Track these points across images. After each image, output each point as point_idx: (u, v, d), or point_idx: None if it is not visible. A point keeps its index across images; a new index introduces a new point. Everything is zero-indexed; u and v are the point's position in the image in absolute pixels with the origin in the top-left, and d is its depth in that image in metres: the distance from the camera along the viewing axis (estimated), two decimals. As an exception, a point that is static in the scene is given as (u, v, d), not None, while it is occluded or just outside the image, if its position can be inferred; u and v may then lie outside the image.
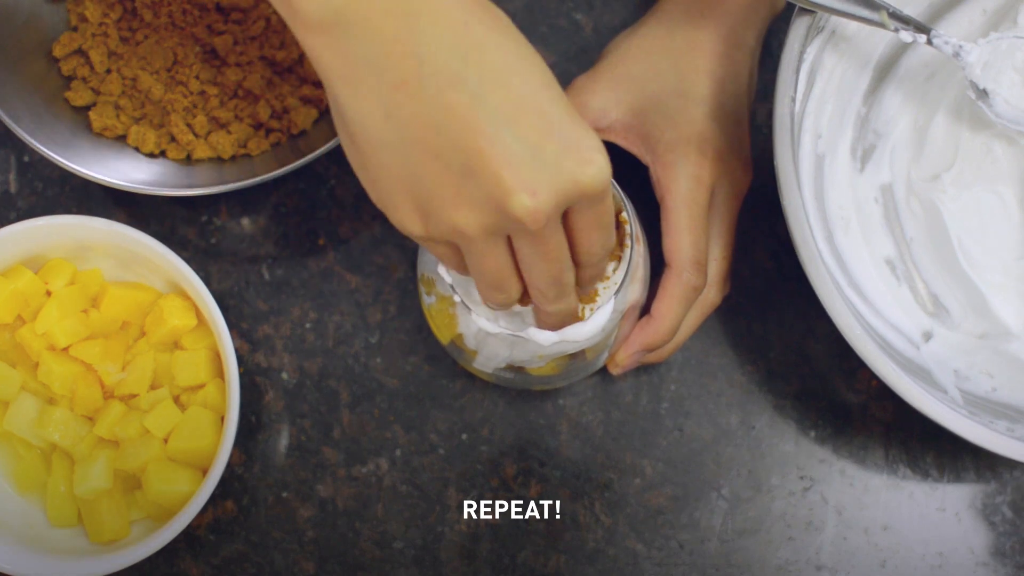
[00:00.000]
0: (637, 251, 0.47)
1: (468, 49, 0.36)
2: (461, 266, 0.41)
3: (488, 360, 0.50)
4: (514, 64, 0.37)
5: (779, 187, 0.48)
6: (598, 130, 0.52)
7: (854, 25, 0.54)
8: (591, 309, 0.46)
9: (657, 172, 0.51)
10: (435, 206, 0.37)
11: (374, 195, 0.40)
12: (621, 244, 0.47)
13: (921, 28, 0.51)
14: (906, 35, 0.50)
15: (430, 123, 0.36)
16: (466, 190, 0.37)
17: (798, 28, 0.50)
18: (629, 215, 0.46)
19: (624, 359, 0.52)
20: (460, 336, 0.49)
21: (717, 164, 0.51)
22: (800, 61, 0.50)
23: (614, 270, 0.47)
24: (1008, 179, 0.57)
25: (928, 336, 0.56)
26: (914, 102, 0.58)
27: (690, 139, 0.50)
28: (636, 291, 0.49)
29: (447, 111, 0.36)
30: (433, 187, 0.37)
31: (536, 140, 0.36)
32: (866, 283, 0.56)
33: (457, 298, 0.45)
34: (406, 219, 0.39)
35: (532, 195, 0.36)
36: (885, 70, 0.57)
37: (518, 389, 0.58)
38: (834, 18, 0.52)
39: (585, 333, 0.46)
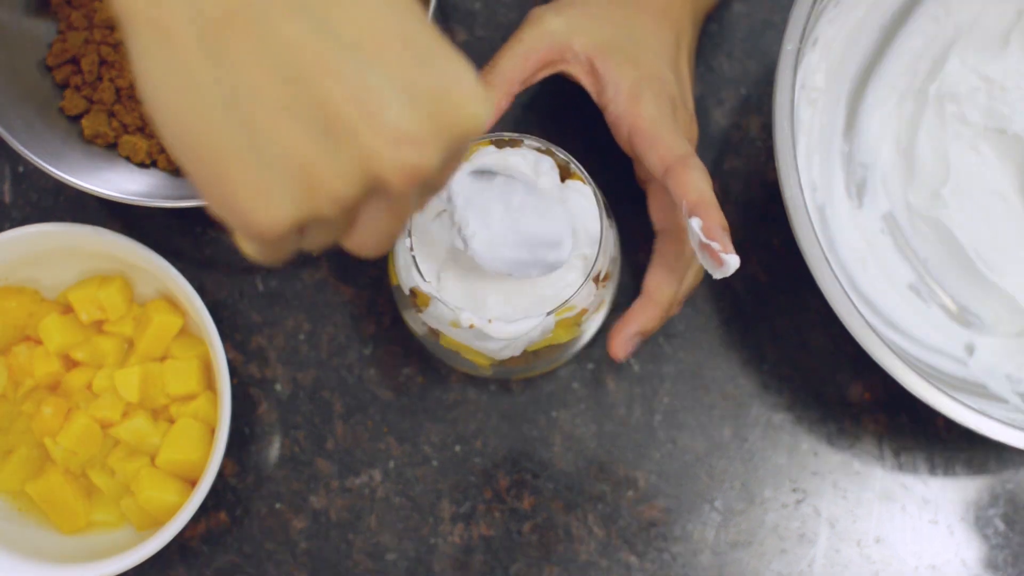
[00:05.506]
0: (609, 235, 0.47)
1: None
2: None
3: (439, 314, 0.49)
4: None
5: (812, 271, 0.48)
6: (562, 60, 0.51)
7: (824, 66, 0.55)
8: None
9: (620, 106, 0.50)
10: (297, 178, 0.29)
11: (204, 182, 0.30)
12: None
13: None
14: None
15: (269, 66, 0.28)
16: (326, 152, 0.29)
17: (783, 93, 0.50)
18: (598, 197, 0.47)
19: (621, 344, 0.50)
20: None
21: (676, 107, 0.51)
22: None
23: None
24: (1002, 175, 0.57)
25: (971, 349, 0.55)
26: (891, 125, 0.58)
27: (652, 77, 0.50)
28: (603, 263, 0.48)
29: (289, 49, 0.28)
30: (284, 152, 0.29)
31: (406, 77, 0.29)
32: (896, 315, 0.56)
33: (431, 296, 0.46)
34: (256, 205, 0.29)
35: (415, 149, 0.29)
36: (856, 101, 0.58)
37: (500, 380, 0.58)
38: (801, 67, 0.52)
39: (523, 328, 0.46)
